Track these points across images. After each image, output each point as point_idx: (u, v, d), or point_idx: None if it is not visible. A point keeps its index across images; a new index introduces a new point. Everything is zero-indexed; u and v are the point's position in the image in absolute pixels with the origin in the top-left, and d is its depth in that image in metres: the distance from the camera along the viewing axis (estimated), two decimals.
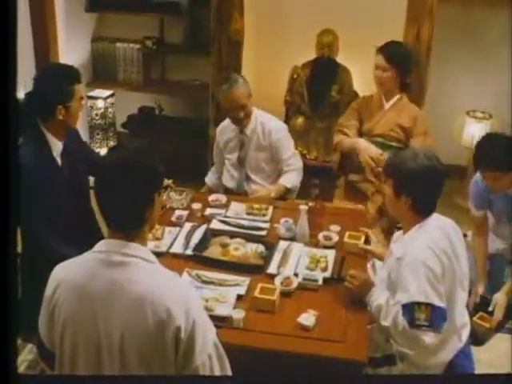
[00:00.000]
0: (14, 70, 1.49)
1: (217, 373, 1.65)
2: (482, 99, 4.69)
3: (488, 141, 2.89)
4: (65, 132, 2.75)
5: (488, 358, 2.98)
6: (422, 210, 2.36)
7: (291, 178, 3.48)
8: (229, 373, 1.70)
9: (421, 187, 2.31)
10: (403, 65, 3.39)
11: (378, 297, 2.38)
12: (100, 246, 1.69)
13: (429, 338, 2.22)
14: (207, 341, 1.63)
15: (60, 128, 2.71)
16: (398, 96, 3.47)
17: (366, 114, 3.55)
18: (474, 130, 4.51)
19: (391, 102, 3.48)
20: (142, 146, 1.68)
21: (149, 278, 1.63)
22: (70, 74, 2.72)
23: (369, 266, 2.83)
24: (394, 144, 3.43)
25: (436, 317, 2.22)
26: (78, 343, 1.65)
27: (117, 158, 1.74)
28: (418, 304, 2.22)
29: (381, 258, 2.67)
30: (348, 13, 4.45)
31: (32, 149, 2.62)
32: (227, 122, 3.56)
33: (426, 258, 2.26)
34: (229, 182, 3.62)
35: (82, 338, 1.64)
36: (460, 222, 3.17)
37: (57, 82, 2.67)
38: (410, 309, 2.23)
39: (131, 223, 1.67)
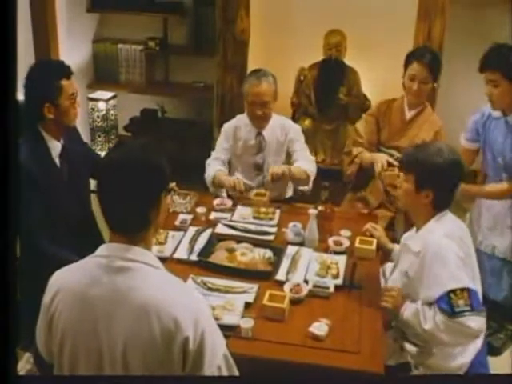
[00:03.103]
0: (14, 70, 1.47)
1: None
2: None
3: (501, 45, 2.94)
4: (61, 132, 2.63)
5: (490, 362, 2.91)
6: (441, 205, 2.38)
7: (306, 164, 3.29)
8: None
9: (444, 181, 2.34)
10: (437, 71, 3.22)
11: (409, 306, 2.34)
12: (101, 250, 1.59)
13: (475, 322, 2.18)
14: (217, 352, 1.55)
15: (54, 127, 2.59)
16: (421, 106, 3.27)
17: (385, 122, 3.34)
18: None
19: (413, 111, 3.27)
20: (147, 143, 1.57)
21: (154, 284, 1.53)
22: (55, 69, 2.55)
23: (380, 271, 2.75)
24: None
25: (475, 299, 2.20)
26: (77, 354, 1.56)
27: (120, 154, 1.61)
28: (453, 291, 2.19)
29: (383, 247, 2.78)
30: (356, 12, 4.37)
31: (29, 149, 2.52)
32: (240, 121, 3.41)
33: (446, 246, 2.27)
34: None
35: (83, 348, 1.55)
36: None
37: (41, 78, 2.51)
38: (446, 300, 2.20)
39: (135, 225, 1.57)
